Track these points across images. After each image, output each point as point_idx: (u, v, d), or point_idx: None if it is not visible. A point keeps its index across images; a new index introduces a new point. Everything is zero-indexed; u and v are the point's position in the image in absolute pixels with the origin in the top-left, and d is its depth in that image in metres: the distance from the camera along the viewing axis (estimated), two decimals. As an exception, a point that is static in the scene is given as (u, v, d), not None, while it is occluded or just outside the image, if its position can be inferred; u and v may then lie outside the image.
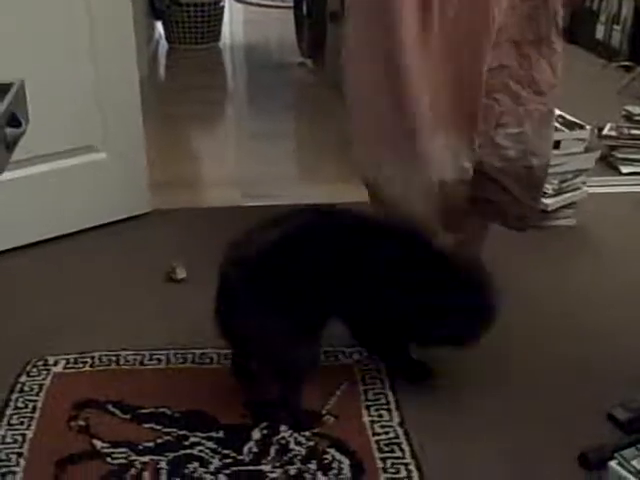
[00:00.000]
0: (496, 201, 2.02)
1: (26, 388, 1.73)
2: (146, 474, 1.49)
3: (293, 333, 1.56)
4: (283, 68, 4.49)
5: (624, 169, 2.96)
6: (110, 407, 1.67)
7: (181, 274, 2.18)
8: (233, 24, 5.54)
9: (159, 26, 4.91)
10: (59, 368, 1.81)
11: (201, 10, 4.74)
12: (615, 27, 4.51)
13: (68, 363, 1.82)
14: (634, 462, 1.44)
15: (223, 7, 4.92)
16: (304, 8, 4.29)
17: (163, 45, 4.90)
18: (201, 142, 3.55)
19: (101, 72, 2.35)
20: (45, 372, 1.79)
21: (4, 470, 1.49)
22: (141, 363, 1.83)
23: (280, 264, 1.57)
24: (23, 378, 1.76)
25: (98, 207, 2.46)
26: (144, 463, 1.52)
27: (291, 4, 4.59)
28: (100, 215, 2.47)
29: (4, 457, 1.52)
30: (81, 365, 1.82)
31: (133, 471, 1.50)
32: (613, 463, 1.46)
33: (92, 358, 1.84)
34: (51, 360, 1.83)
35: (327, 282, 1.59)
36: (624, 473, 1.43)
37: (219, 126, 3.85)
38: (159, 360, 1.84)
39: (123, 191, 2.49)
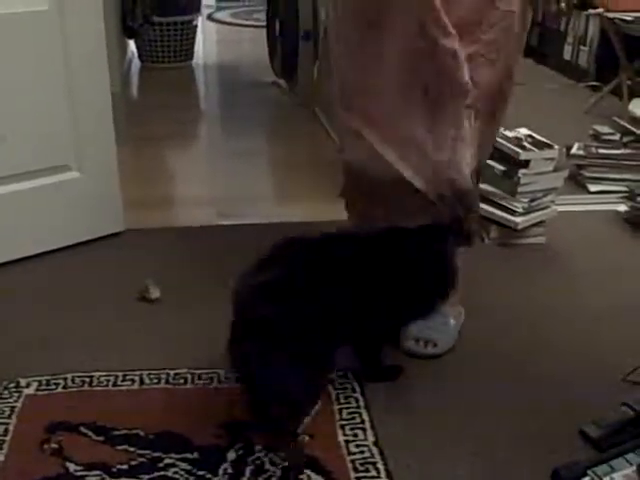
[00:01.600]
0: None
1: (-3, 410, 1.71)
2: (121, 496, 1.49)
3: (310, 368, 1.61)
4: (256, 87, 4.51)
5: (592, 187, 3.01)
6: (83, 429, 1.65)
7: (155, 294, 2.17)
8: (206, 43, 5.57)
9: (132, 44, 4.92)
10: (31, 390, 1.79)
11: (174, 29, 4.75)
12: (582, 48, 4.59)
13: (40, 385, 1.81)
14: (606, 479, 1.46)
15: (196, 26, 4.95)
16: (277, 27, 4.32)
17: (136, 64, 4.90)
18: (175, 161, 3.55)
19: (74, 91, 2.35)
20: (17, 394, 1.77)
21: (-25, 494, 1.47)
22: (114, 384, 1.82)
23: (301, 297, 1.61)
24: (-6, 400, 1.75)
25: (71, 226, 2.45)
26: (118, 485, 1.51)
27: (264, 23, 4.62)
28: (73, 234, 2.46)
29: (-25, 481, 1.51)
30: (54, 387, 1.80)
31: (107, 494, 1.49)
32: (585, 480, 1.48)
33: (65, 379, 1.82)
34: (23, 382, 1.81)
35: (338, 309, 1.64)
36: (596, 490, 1.45)
37: (192, 145, 3.86)
38: (132, 381, 1.83)
39: (96, 210, 2.49)
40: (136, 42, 4.84)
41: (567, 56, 4.72)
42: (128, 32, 4.69)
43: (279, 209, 2.85)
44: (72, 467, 1.55)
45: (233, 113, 4.14)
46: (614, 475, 1.47)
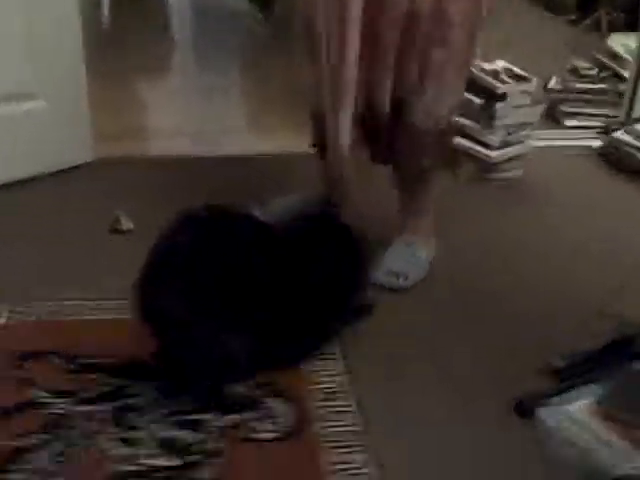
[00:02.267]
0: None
1: (-33, 339, 1.71)
2: (87, 424, 1.49)
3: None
4: (231, 17, 4.41)
5: (568, 122, 3.00)
6: (53, 358, 1.66)
7: (127, 225, 2.16)
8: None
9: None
10: (2, 319, 1.78)
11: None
12: (564, -20, 4.52)
13: (11, 313, 1.80)
14: (564, 408, 1.49)
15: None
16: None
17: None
18: (147, 93, 3.48)
19: (40, 14, 2.27)
20: (-13, 323, 1.77)
21: (-56, 421, 1.48)
22: (85, 313, 1.82)
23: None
24: (-36, 330, 1.74)
25: (39, 156, 2.40)
26: (85, 412, 1.52)
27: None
28: (41, 164, 2.41)
29: (-56, 408, 1.51)
30: (24, 316, 1.80)
31: (74, 421, 1.50)
32: (543, 409, 1.51)
33: (36, 309, 1.82)
34: (-7, 311, 1.81)
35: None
36: (552, 419, 1.48)
37: (165, 77, 3.78)
38: (104, 310, 1.83)
39: (64, 140, 2.44)
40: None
41: (549, -12, 4.64)
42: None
43: (253, 141, 2.82)
44: (41, 394, 1.56)
45: (207, 44, 4.05)
46: (574, 405, 1.49)
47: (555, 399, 1.52)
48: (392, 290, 1.94)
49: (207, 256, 1.57)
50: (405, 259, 1.99)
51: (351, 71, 1.78)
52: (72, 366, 1.64)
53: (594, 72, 3.22)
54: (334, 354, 1.72)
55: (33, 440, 1.45)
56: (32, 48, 2.30)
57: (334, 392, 1.61)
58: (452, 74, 1.86)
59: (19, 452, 1.42)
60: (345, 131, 1.84)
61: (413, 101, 1.85)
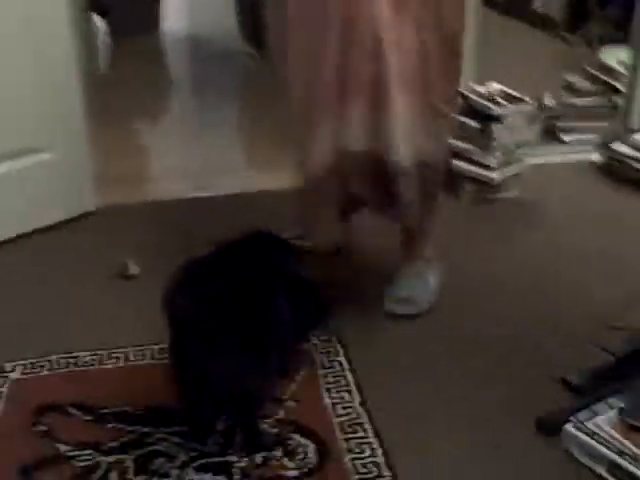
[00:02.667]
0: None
1: (-15, 397, 1.72)
2: (113, 474, 1.50)
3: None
4: (227, 56, 4.46)
5: (566, 138, 3.02)
6: (71, 409, 1.66)
7: (133, 270, 2.17)
8: (177, 14, 5.48)
9: (98, 18, 4.83)
10: (17, 374, 1.79)
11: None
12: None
13: (26, 368, 1.81)
14: (589, 424, 1.49)
15: (164, -4, 4.87)
16: (243, -5, 4.27)
17: (104, 36, 4.82)
18: (146, 135, 3.51)
19: (41, 70, 2.29)
20: (2, 379, 1.77)
21: (-33, 480, 1.48)
22: (100, 363, 1.82)
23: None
24: (-20, 387, 1.75)
25: (44, 208, 2.42)
26: (110, 463, 1.52)
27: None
28: (45, 216, 2.43)
29: (-33, 467, 1.51)
30: (39, 369, 1.81)
31: (99, 472, 1.50)
32: (569, 426, 1.51)
33: (50, 362, 1.83)
34: (8, 367, 1.81)
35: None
36: (579, 435, 1.48)
37: (164, 119, 3.82)
38: (117, 358, 1.83)
39: (68, 191, 2.46)
40: (102, 14, 4.76)
41: (537, 6, 4.69)
42: (95, 5, 4.60)
43: (254, 178, 2.83)
44: (63, 448, 1.56)
45: (204, 83, 4.09)
46: (596, 419, 1.49)
47: (577, 415, 1.51)
48: (403, 317, 1.95)
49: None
50: (413, 286, 1.99)
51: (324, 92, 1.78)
52: (91, 417, 1.64)
53: (588, 86, 3.24)
54: (348, 385, 1.72)
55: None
56: (37, 102, 2.33)
57: (352, 424, 1.60)
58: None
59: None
60: (317, 156, 1.83)
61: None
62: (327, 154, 1.81)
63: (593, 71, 3.31)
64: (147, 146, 3.40)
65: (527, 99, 2.60)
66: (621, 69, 3.10)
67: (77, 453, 1.55)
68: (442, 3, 1.76)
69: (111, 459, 1.53)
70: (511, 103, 2.57)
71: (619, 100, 2.99)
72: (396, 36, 1.73)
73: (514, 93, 2.62)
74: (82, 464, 1.52)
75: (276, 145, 3.08)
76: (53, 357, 1.84)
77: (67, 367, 1.81)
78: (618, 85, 3.09)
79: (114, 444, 1.57)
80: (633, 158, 2.65)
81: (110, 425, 1.62)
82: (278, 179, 2.67)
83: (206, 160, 3.05)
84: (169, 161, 3.09)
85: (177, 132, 3.52)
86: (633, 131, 2.82)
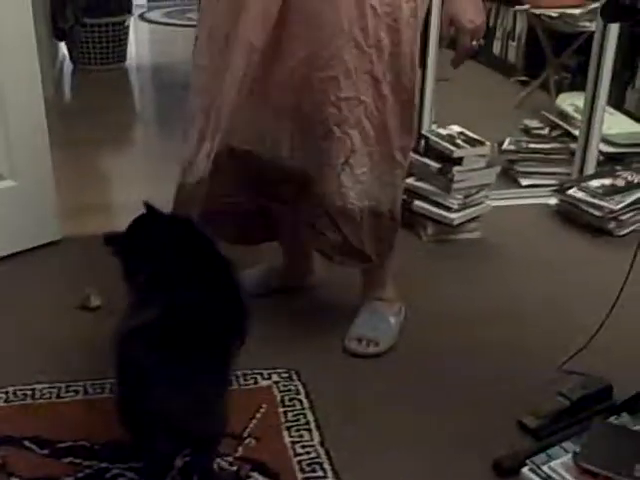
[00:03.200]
0: (325, 235, 1.89)
1: (-63, 428, 1.68)
2: (69, 510, 1.48)
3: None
4: (189, 88, 4.48)
5: (524, 182, 3.09)
6: (27, 443, 1.64)
7: (95, 302, 2.16)
8: (139, 44, 5.50)
9: (63, 47, 4.83)
10: (-29, 405, 1.77)
11: (105, 30, 4.69)
12: (511, 43, 4.70)
13: (-19, 399, 1.79)
14: (544, 468, 1.52)
15: (128, 27, 4.88)
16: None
17: (68, 66, 4.82)
18: (111, 166, 3.50)
19: (6, 97, 2.31)
20: (-43, 410, 1.74)
21: None
22: (57, 396, 1.80)
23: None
24: None
25: (5, 236, 2.41)
26: (65, 499, 1.51)
27: (196, 23, 4.59)
28: (8, 244, 2.41)
29: None
30: (-6, 401, 1.79)
31: (56, 508, 1.49)
32: (525, 469, 1.53)
33: (6, 393, 1.80)
34: (-37, 397, 1.79)
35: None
36: (535, 479, 1.51)
37: (128, 149, 3.82)
38: (76, 392, 1.82)
39: (32, 219, 2.45)
40: (67, 44, 4.76)
41: (496, 51, 4.82)
42: (58, 34, 4.61)
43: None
44: (18, 482, 1.54)
45: (168, 115, 4.10)
46: (552, 463, 1.53)
47: (534, 459, 1.54)
48: (363, 357, 1.96)
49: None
50: (374, 326, 2.01)
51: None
52: (47, 451, 1.62)
53: (545, 131, 3.34)
54: (308, 424, 1.73)
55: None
56: (3, 129, 2.33)
57: (312, 463, 1.61)
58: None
59: None
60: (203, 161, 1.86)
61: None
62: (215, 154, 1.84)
63: (551, 117, 3.41)
64: (112, 176, 3.39)
65: (487, 143, 2.66)
66: (577, 115, 3.20)
67: (33, 488, 1.53)
68: (399, 56, 1.80)
69: (67, 495, 1.52)
70: (471, 146, 2.63)
71: (575, 146, 3.07)
72: (355, 92, 1.78)
73: (474, 136, 2.68)
74: (38, 500, 1.50)
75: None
76: (9, 389, 1.82)
77: (24, 399, 1.79)
78: (574, 131, 3.19)
79: (70, 479, 1.55)
80: (588, 203, 2.72)
81: (66, 460, 1.60)
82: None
83: (170, 192, 3.04)
84: (133, 191, 3.07)
85: (141, 161, 3.52)
86: (588, 177, 2.90)
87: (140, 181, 3.25)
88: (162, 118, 4.16)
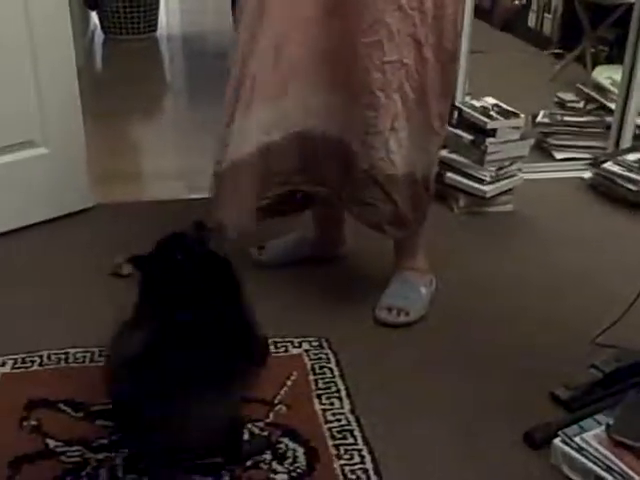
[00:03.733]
0: (376, 206, 1.88)
1: (-26, 390, 1.71)
2: (102, 471, 1.50)
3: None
4: (222, 58, 4.46)
5: (558, 155, 3.05)
6: (62, 406, 1.66)
7: (127, 269, 2.17)
8: (169, 13, 5.49)
9: (94, 16, 4.84)
10: (7, 368, 1.79)
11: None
12: (546, 15, 4.62)
13: (16, 363, 1.80)
14: (577, 439, 1.51)
15: (159, -4, 4.88)
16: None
17: (99, 35, 4.83)
18: (142, 135, 3.52)
19: (39, 65, 2.32)
20: (-8, 373, 1.77)
21: (-44, 473, 1.48)
22: (91, 360, 1.82)
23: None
24: (-30, 380, 1.74)
25: (39, 204, 2.43)
26: (99, 460, 1.52)
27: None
28: (41, 211, 2.44)
29: (-45, 460, 1.51)
30: (29, 364, 1.80)
31: (89, 469, 1.50)
32: (557, 441, 1.53)
33: (40, 357, 1.82)
34: (-2, 360, 1.81)
35: None
36: (567, 450, 1.50)
37: (159, 118, 3.83)
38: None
39: (64, 186, 2.46)
40: (98, 13, 4.76)
41: (531, 24, 4.74)
42: (90, 3, 4.61)
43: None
44: (52, 443, 1.56)
45: (199, 84, 4.10)
46: (584, 435, 1.51)
47: (566, 430, 1.53)
48: (393, 327, 1.96)
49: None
50: (404, 295, 2.01)
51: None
52: (81, 414, 1.64)
53: (580, 105, 3.29)
54: (339, 392, 1.73)
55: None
56: (36, 97, 2.34)
57: (342, 431, 1.61)
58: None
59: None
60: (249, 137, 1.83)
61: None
62: (260, 137, 1.83)
63: (586, 89, 3.35)
64: (142, 145, 3.40)
65: (521, 114, 2.63)
66: (613, 88, 3.14)
67: (66, 449, 1.54)
68: (442, 18, 1.79)
69: (100, 456, 1.53)
70: (505, 118, 2.60)
71: (611, 119, 3.02)
72: (397, 55, 1.77)
73: (508, 108, 2.65)
74: (71, 460, 1.52)
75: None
76: (44, 352, 1.84)
77: (58, 363, 1.81)
78: (610, 104, 3.13)
79: (104, 441, 1.57)
80: (624, 177, 2.68)
81: (99, 422, 1.62)
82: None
83: (200, 161, 3.05)
84: (164, 161, 3.09)
85: (173, 131, 3.53)
86: (624, 151, 2.85)
87: (170, 150, 3.26)
88: (192, 88, 4.15)
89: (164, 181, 2.87)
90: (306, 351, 1.86)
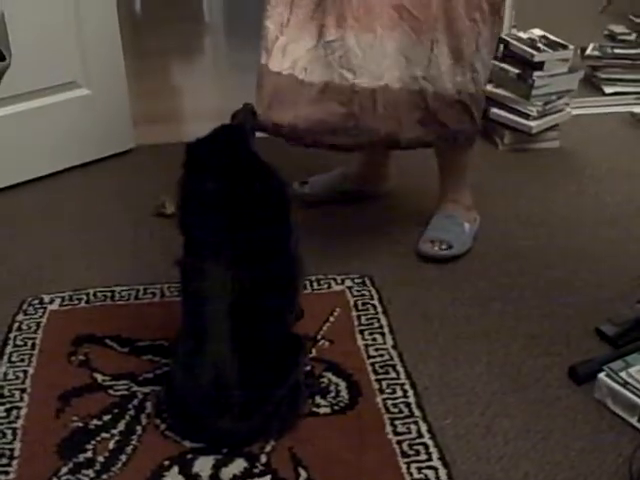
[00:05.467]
0: (452, 127, 1.86)
1: (24, 326, 1.75)
2: (148, 404, 1.53)
3: None
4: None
5: (607, 89, 2.96)
6: (108, 341, 1.70)
7: (170, 208, 2.18)
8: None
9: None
10: (55, 306, 1.82)
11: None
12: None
13: (63, 300, 1.84)
14: (622, 374, 1.49)
15: None
16: None
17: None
18: (181, 75, 3.50)
19: (80, 5, 2.31)
20: (41, 310, 1.80)
21: (8, 406, 1.52)
22: (136, 297, 1.85)
23: None
24: (20, 317, 1.78)
25: (81, 145, 2.44)
26: (146, 394, 1.55)
27: None
28: (83, 153, 2.45)
29: (7, 393, 1.55)
30: (76, 302, 1.84)
31: (135, 401, 1.53)
32: (602, 375, 1.51)
33: (87, 295, 1.86)
34: (46, 298, 1.84)
35: None
36: (612, 384, 1.48)
37: (198, 58, 3.80)
38: (153, 294, 1.86)
39: (106, 127, 2.47)
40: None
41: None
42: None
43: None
44: (100, 377, 1.59)
45: (238, 24, 4.06)
46: (630, 369, 1.49)
47: (611, 365, 1.51)
48: (436, 261, 1.94)
49: None
50: (447, 229, 1.99)
51: None
52: (127, 349, 1.67)
53: (632, 37, 3.17)
54: (381, 328, 1.73)
55: (95, 422, 1.48)
56: (78, 38, 2.34)
57: (385, 366, 1.62)
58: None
59: (83, 433, 1.45)
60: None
61: None
62: None
63: (638, 21, 3.23)
64: (182, 86, 3.39)
65: (570, 46, 2.55)
66: (667, 19, 3.03)
67: (113, 383, 1.58)
68: None
69: (146, 389, 1.56)
70: (553, 50, 2.52)
71: (663, 51, 2.92)
72: None
73: (556, 40, 2.57)
74: (118, 393, 1.55)
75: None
76: (90, 290, 1.87)
77: (104, 300, 1.84)
78: (663, 36, 3.02)
79: (149, 375, 1.60)
80: (676, 111, 2.59)
81: (146, 357, 1.65)
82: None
83: (239, 101, 3.03)
84: (205, 102, 3.08)
85: (211, 72, 3.51)
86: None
87: (210, 91, 3.25)
88: (231, 27, 4.11)
89: (204, 122, 2.84)
90: (349, 288, 1.86)
